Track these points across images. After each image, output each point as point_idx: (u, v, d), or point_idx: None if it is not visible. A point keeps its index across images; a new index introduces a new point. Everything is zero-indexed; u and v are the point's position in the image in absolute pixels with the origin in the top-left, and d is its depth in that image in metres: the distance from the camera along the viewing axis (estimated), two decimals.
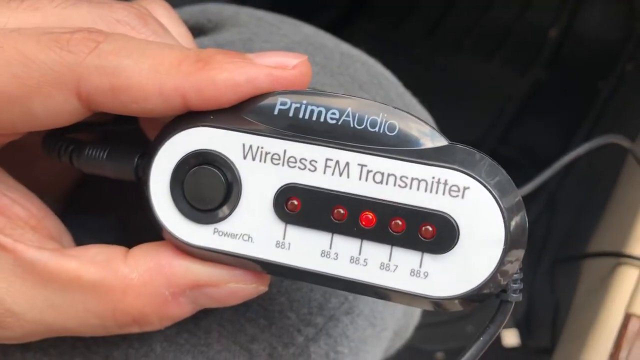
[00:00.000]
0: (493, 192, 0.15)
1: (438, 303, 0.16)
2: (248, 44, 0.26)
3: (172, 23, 0.21)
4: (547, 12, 0.86)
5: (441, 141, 0.16)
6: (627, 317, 0.35)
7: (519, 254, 0.16)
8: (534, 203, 0.75)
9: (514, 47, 0.85)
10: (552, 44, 0.84)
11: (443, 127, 0.77)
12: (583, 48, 0.84)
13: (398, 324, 0.27)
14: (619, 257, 0.38)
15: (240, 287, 0.18)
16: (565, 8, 0.85)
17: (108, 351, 0.21)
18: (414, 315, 0.30)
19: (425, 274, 0.16)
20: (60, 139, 0.19)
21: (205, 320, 0.21)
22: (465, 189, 0.15)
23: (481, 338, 0.17)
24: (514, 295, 0.16)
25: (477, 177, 0.15)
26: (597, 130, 0.79)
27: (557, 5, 0.86)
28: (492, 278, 0.15)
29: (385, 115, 0.16)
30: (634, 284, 0.36)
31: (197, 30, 0.28)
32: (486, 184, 0.15)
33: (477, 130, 0.80)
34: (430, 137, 0.16)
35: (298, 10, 0.90)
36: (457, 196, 0.15)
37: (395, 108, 0.16)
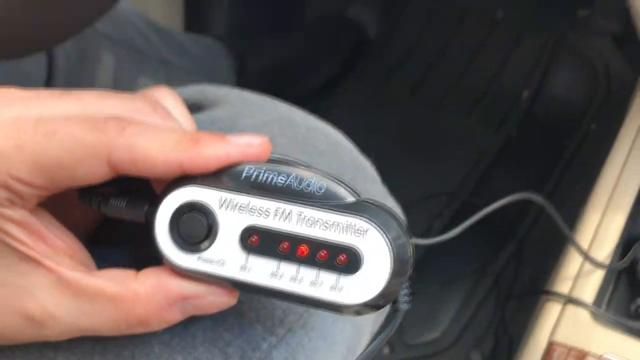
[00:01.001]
0: (385, 235, 0.22)
1: (351, 309, 0.23)
2: (234, 120, 0.34)
3: (176, 107, 0.29)
4: (520, 76, 0.94)
5: (354, 198, 0.23)
6: (550, 345, 0.42)
7: (403, 278, 0.23)
8: (504, 249, 0.82)
9: (489, 106, 0.94)
10: (524, 104, 0.93)
11: (423, 177, 0.85)
12: (552, 108, 0.92)
13: (350, 341, 0.34)
14: (548, 294, 0.45)
15: (217, 299, 0.25)
16: (536, 72, 0.94)
17: (119, 350, 0.28)
18: (364, 333, 0.37)
19: (341, 288, 0.23)
20: (91, 192, 0.27)
21: (192, 328, 0.28)
22: (366, 230, 0.23)
23: (381, 335, 0.24)
24: (403, 305, 0.23)
25: (374, 223, 0.23)
26: (562, 184, 0.87)
27: (529, 69, 0.95)
28: (382, 293, 0.23)
29: (317, 179, 0.24)
30: (557, 316, 0.43)
31: (197, 107, 0.36)
32: (380, 229, 0.22)
33: (454, 181, 0.88)
34: (347, 195, 0.23)
35: (295, 72, 0.99)
36: (361, 236, 0.23)
37: (325, 174, 0.24)
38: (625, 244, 0.46)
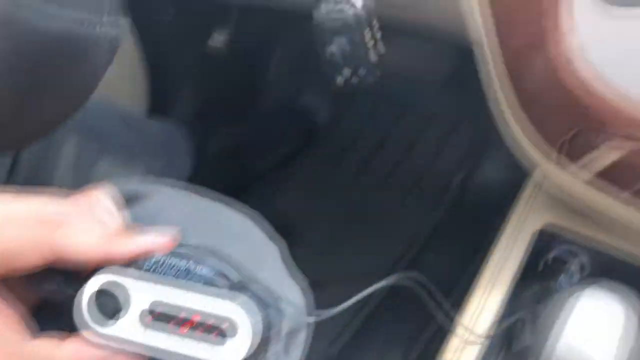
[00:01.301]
0: (249, 314, 0.30)
1: None
2: (159, 212, 0.41)
3: (108, 206, 0.37)
4: (453, 163, 1.05)
5: (234, 281, 0.31)
6: None
7: (265, 345, 0.30)
8: (433, 319, 0.89)
9: (424, 190, 1.03)
10: (456, 187, 1.02)
11: (361, 255, 0.94)
12: (480, 195, 1.02)
13: None
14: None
15: None
16: (467, 161, 1.04)
17: None
18: None
19: (219, 351, 0.30)
20: (34, 275, 0.34)
21: None
22: (239, 309, 0.30)
23: None
24: None
25: (241, 305, 0.30)
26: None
27: (461, 157, 1.05)
28: (250, 355, 0.30)
29: (205, 268, 0.31)
30: (453, 351, 0.50)
31: (130, 200, 0.44)
32: (246, 310, 0.30)
33: (389, 259, 0.95)
34: (224, 283, 0.31)
35: (248, 156, 1.07)
36: (235, 313, 0.30)
37: (216, 263, 0.31)
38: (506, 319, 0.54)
